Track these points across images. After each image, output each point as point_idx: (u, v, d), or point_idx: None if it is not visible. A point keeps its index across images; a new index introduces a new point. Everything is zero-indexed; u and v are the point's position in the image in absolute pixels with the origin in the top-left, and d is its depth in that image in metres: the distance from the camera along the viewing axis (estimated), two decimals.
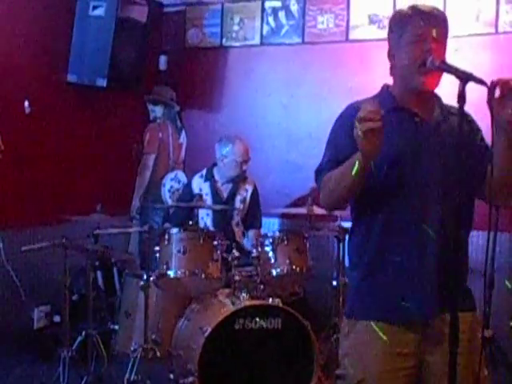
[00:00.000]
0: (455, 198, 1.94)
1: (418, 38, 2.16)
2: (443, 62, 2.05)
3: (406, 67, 2.21)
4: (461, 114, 1.91)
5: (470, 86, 1.91)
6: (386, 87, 2.33)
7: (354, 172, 2.01)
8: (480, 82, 1.91)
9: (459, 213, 1.97)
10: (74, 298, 4.71)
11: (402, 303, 2.16)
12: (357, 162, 2.00)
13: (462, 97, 1.87)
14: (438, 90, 2.26)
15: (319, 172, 2.31)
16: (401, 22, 2.23)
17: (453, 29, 4.85)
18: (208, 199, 4.73)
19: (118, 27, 5.12)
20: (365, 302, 2.25)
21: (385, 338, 2.17)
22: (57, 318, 4.83)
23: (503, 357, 4.19)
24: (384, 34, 5.38)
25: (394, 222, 2.18)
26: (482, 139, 2.26)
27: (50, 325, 4.86)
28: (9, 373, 4.43)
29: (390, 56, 2.30)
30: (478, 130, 2.27)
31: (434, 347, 2.17)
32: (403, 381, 2.19)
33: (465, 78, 1.90)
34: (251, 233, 4.83)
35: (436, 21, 2.19)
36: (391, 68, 2.30)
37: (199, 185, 4.79)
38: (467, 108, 1.92)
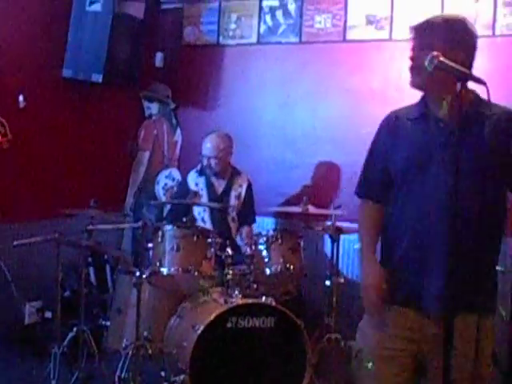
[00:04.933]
0: (473, 204, 2.10)
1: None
2: (441, 61, 2.04)
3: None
4: (458, 112, 1.91)
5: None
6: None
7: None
8: (478, 81, 1.91)
9: (473, 216, 2.11)
10: (66, 294, 4.69)
11: (418, 295, 2.26)
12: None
13: (459, 95, 1.87)
14: None
15: (360, 187, 2.54)
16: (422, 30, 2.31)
17: None
18: (203, 194, 4.77)
19: (115, 23, 5.10)
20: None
21: (392, 317, 2.31)
22: (48, 314, 4.79)
23: (494, 356, 4.16)
24: (381, 34, 5.45)
25: (405, 227, 2.30)
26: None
27: (42, 321, 4.83)
28: None
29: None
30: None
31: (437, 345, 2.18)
32: (399, 361, 2.30)
33: (463, 77, 1.90)
34: (244, 230, 4.84)
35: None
36: None
37: (195, 179, 4.82)
38: None
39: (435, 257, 2.20)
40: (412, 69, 2.26)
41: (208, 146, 4.76)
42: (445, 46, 2.17)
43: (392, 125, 2.38)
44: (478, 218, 2.20)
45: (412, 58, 2.25)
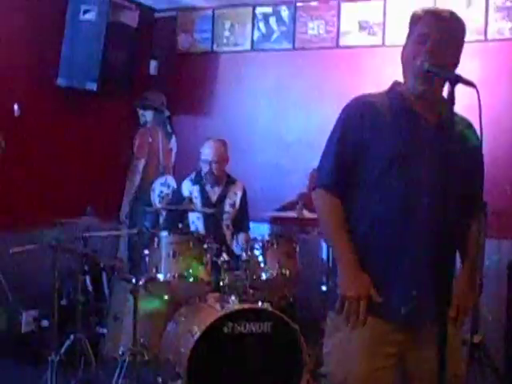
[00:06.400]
0: (447, 205, 1.97)
1: (421, 39, 2.16)
2: (432, 64, 2.07)
3: (406, 67, 2.22)
4: (450, 114, 1.93)
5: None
6: (395, 84, 2.31)
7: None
8: (468, 83, 1.93)
9: (447, 218, 1.99)
10: (63, 302, 4.68)
11: (389, 302, 2.17)
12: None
13: (451, 98, 1.90)
14: None
15: (322, 179, 2.33)
16: (412, 21, 2.23)
17: None
18: (198, 202, 4.75)
19: (109, 32, 5.12)
20: None
21: (369, 334, 2.16)
22: (45, 323, 4.77)
23: (490, 362, 4.20)
24: (373, 40, 5.48)
25: (383, 220, 2.19)
26: (477, 156, 2.27)
27: (38, 329, 4.81)
28: None
29: (402, 54, 2.26)
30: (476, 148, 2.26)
31: (417, 350, 2.19)
32: (385, 380, 2.19)
33: (454, 79, 1.92)
34: (240, 236, 4.84)
35: (443, 24, 2.16)
36: (402, 66, 2.27)
37: (188, 188, 4.82)
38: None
39: (409, 260, 2.15)
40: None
41: (208, 151, 4.75)
42: (461, 48, 2.18)
43: (367, 112, 2.22)
44: (456, 221, 2.14)
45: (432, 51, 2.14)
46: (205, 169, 4.77)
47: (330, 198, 2.28)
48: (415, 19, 2.21)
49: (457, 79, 1.92)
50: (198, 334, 3.55)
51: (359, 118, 2.23)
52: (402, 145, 2.17)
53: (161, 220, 5.23)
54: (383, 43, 5.24)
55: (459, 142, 2.16)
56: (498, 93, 4.68)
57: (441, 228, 2.00)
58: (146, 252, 3.93)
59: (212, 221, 4.75)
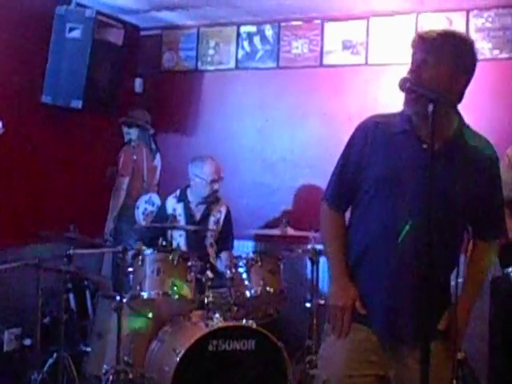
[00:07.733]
0: (441, 231, 2.04)
1: (410, 61, 2.21)
2: (413, 83, 2.10)
3: None
4: (432, 134, 1.95)
5: None
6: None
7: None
8: (448, 104, 1.97)
9: (432, 242, 2.01)
10: (46, 320, 4.64)
11: (373, 313, 2.24)
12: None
13: (432, 117, 1.93)
14: None
15: (327, 193, 2.44)
16: (410, 46, 2.27)
17: None
18: (181, 220, 4.75)
19: (94, 49, 5.12)
20: None
21: (352, 339, 2.24)
22: (27, 341, 4.73)
23: (474, 379, 4.21)
24: (356, 59, 5.53)
25: (372, 241, 2.25)
26: (489, 185, 2.28)
27: (21, 348, 4.77)
28: None
29: None
30: (491, 178, 2.29)
31: (400, 363, 2.22)
32: None
33: (435, 99, 1.96)
34: (224, 255, 4.84)
35: (428, 45, 2.18)
36: None
37: (173, 205, 4.81)
38: None
39: (394, 279, 2.19)
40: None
41: (210, 170, 4.70)
42: (452, 67, 2.20)
43: (371, 133, 2.29)
44: (446, 244, 2.21)
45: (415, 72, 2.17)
46: (208, 189, 4.70)
47: (330, 212, 2.40)
48: (411, 43, 2.25)
49: (438, 99, 1.95)
50: (182, 352, 3.55)
51: (363, 138, 2.31)
52: (391, 168, 2.21)
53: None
54: (366, 62, 5.29)
55: (469, 164, 2.17)
56: (479, 112, 4.74)
57: (426, 251, 2.01)
58: (130, 269, 3.93)
59: (195, 238, 4.75)
